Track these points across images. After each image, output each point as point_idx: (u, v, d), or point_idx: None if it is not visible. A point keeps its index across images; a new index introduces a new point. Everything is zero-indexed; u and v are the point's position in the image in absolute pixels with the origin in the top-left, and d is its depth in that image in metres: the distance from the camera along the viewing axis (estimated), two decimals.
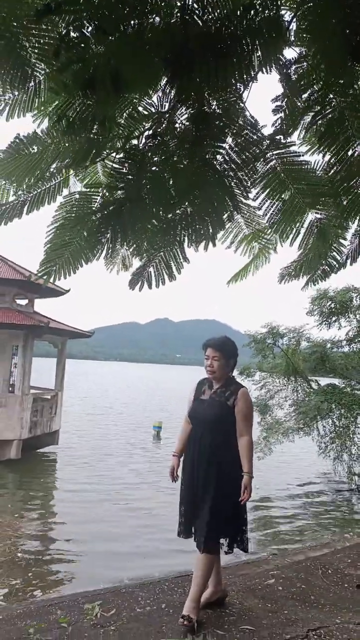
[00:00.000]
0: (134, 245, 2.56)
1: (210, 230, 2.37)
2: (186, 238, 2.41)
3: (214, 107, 2.32)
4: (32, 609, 3.50)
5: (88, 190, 2.52)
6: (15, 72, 1.76)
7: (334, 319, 13.45)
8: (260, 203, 2.50)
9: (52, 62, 1.65)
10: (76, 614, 3.23)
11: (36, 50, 1.75)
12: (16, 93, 1.99)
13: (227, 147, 2.31)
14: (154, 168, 2.35)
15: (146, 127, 2.37)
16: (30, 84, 1.85)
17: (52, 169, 2.33)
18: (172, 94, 2.32)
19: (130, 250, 2.68)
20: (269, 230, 2.71)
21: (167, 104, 2.33)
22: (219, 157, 2.31)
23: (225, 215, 2.43)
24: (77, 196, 2.48)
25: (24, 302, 18.58)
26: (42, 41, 1.77)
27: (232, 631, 2.99)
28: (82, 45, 1.64)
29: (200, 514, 3.07)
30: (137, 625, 3.00)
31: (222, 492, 3.01)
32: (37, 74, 1.82)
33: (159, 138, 2.32)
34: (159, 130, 2.32)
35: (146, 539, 8.57)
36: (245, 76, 1.97)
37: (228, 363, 3.22)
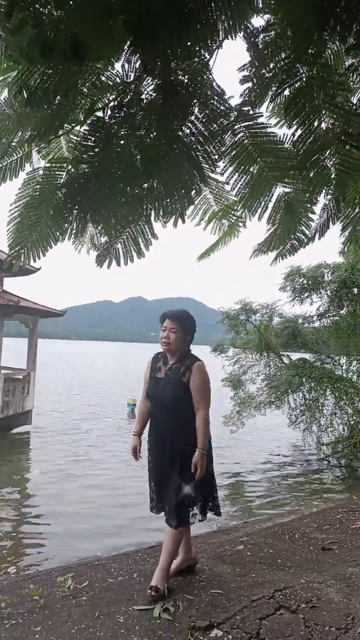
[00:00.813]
0: (102, 223, 2.50)
1: (179, 205, 2.34)
2: (153, 213, 2.37)
3: (180, 76, 2.26)
4: (4, 584, 3.53)
5: (52, 165, 2.43)
6: None
7: (306, 294, 13.66)
8: (228, 177, 2.47)
9: (6, 24, 1.56)
10: (49, 587, 3.28)
11: None
12: None
13: (193, 118, 2.26)
14: (120, 141, 2.29)
15: (111, 99, 2.29)
16: None
17: (13, 143, 2.23)
18: (138, 63, 2.25)
19: (99, 228, 2.62)
20: (238, 206, 2.69)
21: (132, 74, 2.26)
22: (185, 129, 2.26)
23: (193, 189, 2.39)
24: (41, 172, 2.39)
25: None
26: None
27: (201, 595, 3.09)
28: (38, 5, 1.55)
29: (168, 492, 3.09)
30: (109, 594, 3.07)
31: (187, 471, 3.00)
32: None
33: (124, 110, 2.25)
34: (124, 101, 2.25)
35: (119, 516, 8.68)
36: (209, 42, 1.91)
37: (185, 337, 3.13)
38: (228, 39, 1.99)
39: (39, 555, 7.30)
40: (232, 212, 2.94)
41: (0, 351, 16.18)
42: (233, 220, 3.01)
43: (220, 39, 2.00)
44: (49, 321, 21.66)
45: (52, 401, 24.49)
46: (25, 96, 1.87)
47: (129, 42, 1.83)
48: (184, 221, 2.58)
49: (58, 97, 1.96)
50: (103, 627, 2.67)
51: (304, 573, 3.59)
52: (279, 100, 2.44)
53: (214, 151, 2.33)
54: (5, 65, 1.99)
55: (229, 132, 2.34)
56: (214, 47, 2.06)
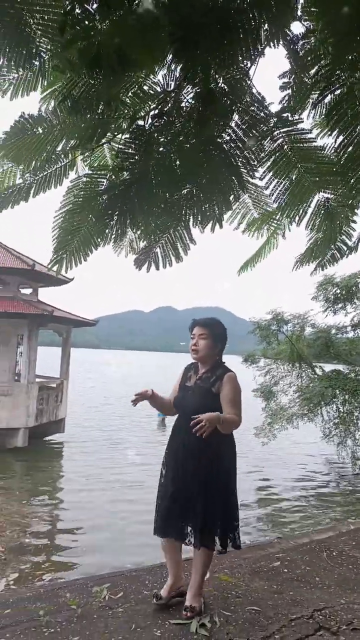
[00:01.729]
0: (142, 228, 2.52)
1: (217, 211, 2.33)
2: (192, 218, 2.37)
3: (220, 84, 2.27)
4: (41, 592, 3.55)
5: (95, 172, 2.47)
6: (20, 51, 1.71)
7: (339, 304, 13.40)
8: (267, 183, 2.45)
9: (57, 39, 1.60)
10: (85, 596, 3.27)
11: (41, 27, 1.70)
12: (21, 72, 1.94)
13: (233, 125, 2.26)
14: (160, 148, 2.31)
15: (152, 107, 2.33)
16: (35, 63, 1.79)
17: (58, 151, 2.29)
18: (178, 72, 2.28)
19: (138, 233, 2.65)
20: (278, 214, 2.67)
21: (172, 83, 2.28)
22: (225, 135, 2.26)
23: (232, 195, 2.38)
24: (84, 179, 2.44)
25: (28, 291, 18.60)
26: (46, 17, 1.71)
27: (238, 612, 3.01)
28: (87, 21, 1.60)
29: (194, 511, 2.87)
30: (144, 607, 3.03)
31: (215, 487, 2.84)
32: (42, 52, 1.77)
33: (165, 118, 2.28)
34: (165, 109, 2.27)
35: (150, 526, 8.66)
36: (252, 51, 1.92)
37: (215, 345, 2.96)
38: (270, 46, 1.99)
39: (72, 564, 7.35)
40: (272, 219, 2.91)
41: (35, 360, 16.52)
42: (273, 227, 2.97)
43: (262, 46, 2.00)
44: (80, 330, 22.04)
45: (84, 411, 24.81)
46: (69, 105, 1.91)
47: (172, 53, 1.85)
48: (221, 226, 2.57)
49: (101, 106, 1.99)
50: (140, 639, 2.64)
51: (343, 593, 3.45)
52: (317, 105, 2.42)
53: (253, 157, 2.32)
54: (52, 77, 2.04)
55: (268, 138, 2.32)
56: (256, 55, 2.06)
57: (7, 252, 17.89)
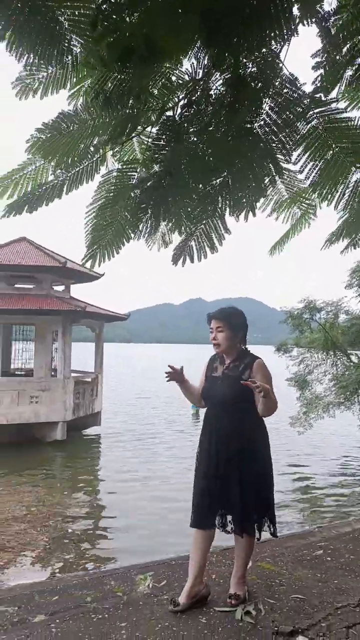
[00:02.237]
0: (174, 220, 2.52)
1: (251, 198, 2.30)
2: (227, 208, 2.35)
3: (250, 68, 2.23)
4: (86, 580, 3.64)
5: (125, 167, 2.48)
6: (52, 49, 1.72)
7: None
8: (301, 166, 2.40)
9: (88, 34, 1.61)
10: (129, 584, 3.33)
11: (72, 24, 1.71)
12: (51, 70, 1.96)
13: (266, 108, 2.21)
14: (190, 139, 2.29)
15: (180, 97, 2.31)
16: (67, 59, 1.81)
17: (89, 147, 2.31)
18: (206, 59, 2.25)
19: (170, 225, 2.65)
20: (310, 193, 2.61)
21: (201, 71, 2.26)
22: (258, 120, 2.22)
23: (267, 180, 2.33)
24: (115, 174, 2.46)
25: (60, 288, 18.94)
26: (77, 13, 1.72)
27: (283, 600, 3.01)
28: (118, 14, 1.59)
29: (229, 501, 2.87)
30: None
31: (251, 476, 2.82)
32: (73, 48, 1.78)
33: (194, 107, 2.25)
34: (193, 99, 2.25)
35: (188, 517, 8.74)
36: (284, 31, 1.86)
37: (235, 334, 2.90)
38: (303, 24, 1.93)
39: (113, 553, 7.51)
40: (303, 199, 2.85)
41: (70, 355, 16.84)
42: (304, 207, 2.90)
43: (294, 26, 1.94)
44: (112, 325, 22.30)
45: (118, 404, 25.19)
46: (102, 100, 1.91)
47: (203, 38, 1.82)
48: (254, 214, 2.53)
49: (131, 100, 1.99)
50: (186, 626, 2.67)
51: None
52: (353, 83, 2.34)
53: (288, 140, 2.26)
54: (81, 74, 2.06)
55: (302, 120, 2.27)
56: (288, 35, 2.01)
57: (40, 250, 18.25)
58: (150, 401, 27.18)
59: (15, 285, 17.83)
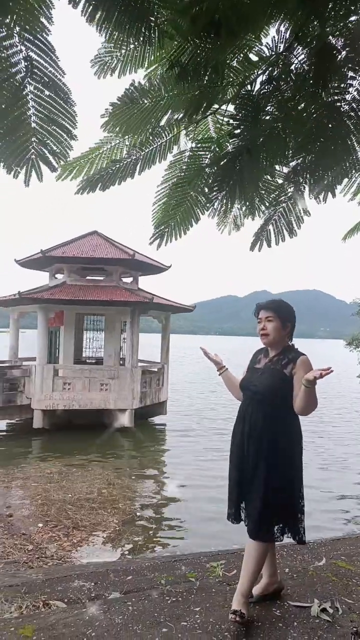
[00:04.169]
0: (248, 203, 2.45)
1: (335, 179, 2.17)
2: (307, 189, 2.24)
3: (335, 41, 2.09)
4: (158, 563, 3.72)
5: (198, 146, 2.45)
6: (139, 25, 1.71)
7: None
8: None
9: (175, 7, 1.57)
10: (200, 570, 3.36)
11: None
12: (129, 48, 1.97)
13: (356, 84, 2.06)
14: (269, 116, 2.20)
15: (259, 73, 2.22)
16: (153, 35, 1.78)
17: (162, 124, 2.30)
18: (287, 33, 2.14)
19: (244, 209, 2.58)
20: None
21: (282, 45, 2.16)
22: (344, 95, 2.08)
23: (353, 160, 2.19)
24: (188, 153, 2.43)
25: (129, 280, 19.41)
26: None
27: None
28: None
29: (251, 498, 2.70)
30: None
31: (276, 475, 2.65)
32: (159, 22, 1.76)
33: (273, 83, 2.16)
34: (273, 74, 2.16)
35: None
36: None
37: (284, 326, 2.79)
38: None
39: (181, 538, 7.63)
40: None
41: (138, 345, 17.24)
42: None
43: None
44: (176, 316, 22.50)
45: (184, 394, 25.47)
46: (177, 72, 1.88)
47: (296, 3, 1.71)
48: (334, 195, 2.40)
49: (208, 73, 1.94)
50: (260, 616, 2.64)
51: None
52: None
53: None
54: (159, 51, 2.03)
55: None
56: None
57: (110, 243, 18.80)
58: (214, 393, 27.19)
59: (87, 277, 18.52)
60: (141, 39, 1.70)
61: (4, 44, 1.80)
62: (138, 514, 8.42)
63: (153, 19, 1.66)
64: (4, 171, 2.12)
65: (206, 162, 2.40)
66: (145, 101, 2.21)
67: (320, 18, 1.76)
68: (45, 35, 1.85)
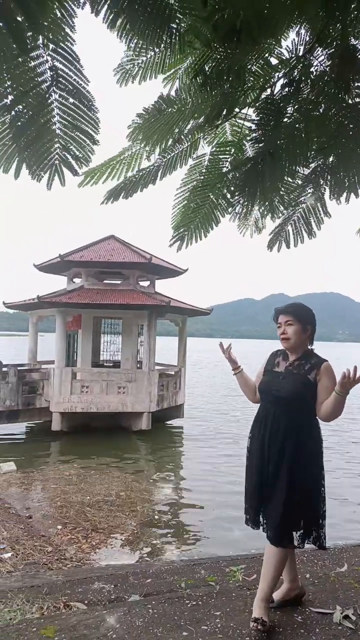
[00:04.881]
0: (267, 204, 2.45)
1: (357, 179, 2.16)
2: (328, 190, 2.23)
3: (356, 42, 2.08)
4: (177, 567, 3.72)
5: (217, 150, 2.46)
6: (160, 32, 1.73)
7: None
8: None
9: (196, 13, 1.59)
10: (220, 575, 3.34)
11: (179, 4, 1.69)
12: (150, 55, 1.99)
13: None
14: (289, 119, 2.20)
15: (280, 76, 2.23)
16: (174, 41, 1.80)
17: (186, 131, 2.32)
18: (307, 36, 2.14)
19: (262, 209, 2.58)
20: None
21: (302, 47, 2.16)
22: None
23: None
24: (208, 157, 2.45)
25: (145, 283, 19.48)
26: None
27: None
28: None
29: (272, 503, 2.67)
30: None
31: (298, 480, 2.63)
32: (180, 29, 1.78)
33: (294, 85, 2.16)
34: (293, 76, 2.16)
35: None
36: None
37: (304, 329, 2.77)
38: None
39: (198, 543, 7.60)
40: None
41: (155, 348, 17.28)
42: None
43: None
44: (193, 319, 22.49)
45: (201, 398, 25.42)
46: (201, 80, 1.90)
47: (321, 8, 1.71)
48: (357, 196, 2.37)
49: (230, 79, 1.95)
50: (281, 622, 2.61)
51: None
52: None
53: None
54: (179, 56, 2.06)
55: None
56: None
57: (127, 247, 18.91)
58: (230, 396, 27.07)
59: (105, 281, 18.66)
60: (162, 46, 1.72)
61: (31, 55, 1.85)
62: (156, 517, 8.41)
63: (174, 25, 1.68)
64: (29, 176, 2.17)
65: (226, 165, 2.41)
66: (170, 110, 2.24)
67: (342, 21, 1.76)
68: (69, 44, 1.89)
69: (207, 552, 6.78)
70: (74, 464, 11.71)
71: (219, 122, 2.35)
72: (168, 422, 18.33)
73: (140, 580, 3.37)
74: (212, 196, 2.45)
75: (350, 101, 2.07)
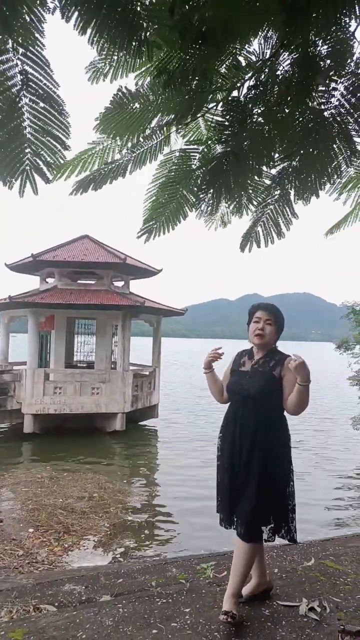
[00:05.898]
0: (235, 202, 2.50)
1: (320, 181, 2.22)
2: (293, 192, 2.29)
3: (320, 47, 2.14)
4: (149, 566, 3.72)
5: (188, 147, 2.51)
6: (129, 39, 1.75)
7: None
8: None
9: (164, 21, 1.62)
10: (191, 573, 3.37)
11: (147, 13, 1.73)
12: (121, 54, 2.01)
13: (341, 88, 2.11)
14: (256, 120, 2.25)
15: (246, 78, 2.27)
16: (143, 48, 1.82)
17: (153, 126, 2.35)
18: (274, 40, 2.19)
19: (231, 207, 2.63)
20: None
21: (268, 51, 2.21)
22: (330, 100, 2.13)
23: (339, 161, 2.24)
24: (178, 154, 2.49)
25: (120, 283, 19.40)
26: (153, 1, 1.74)
27: (348, 599, 2.92)
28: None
29: (242, 500, 2.70)
30: None
31: (268, 477, 2.67)
32: (148, 34, 1.80)
33: (260, 88, 2.21)
34: (260, 79, 2.21)
35: None
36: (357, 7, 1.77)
37: (277, 331, 2.84)
38: None
39: (171, 542, 7.63)
40: None
41: (129, 349, 17.22)
42: None
43: None
44: (168, 320, 22.53)
45: (175, 397, 25.46)
46: (164, 79, 1.93)
47: (284, 19, 1.76)
48: (317, 196, 2.44)
49: (196, 79, 1.99)
50: (249, 616, 2.66)
51: None
52: None
53: None
54: (148, 56, 2.08)
55: None
56: None
57: (101, 247, 18.80)
58: (205, 394, 27.22)
59: (78, 281, 18.49)
60: (131, 51, 1.75)
61: (0, 58, 1.84)
62: (129, 518, 8.40)
63: (142, 32, 1.70)
64: None
65: (195, 162, 2.46)
66: (135, 106, 2.26)
67: (303, 30, 1.81)
68: (39, 49, 1.90)
69: (180, 551, 6.81)
70: (46, 466, 11.57)
71: (188, 119, 2.38)
72: (142, 423, 18.30)
73: (111, 581, 3.36)
74: (181, 191, 2.50)
75: (312, 105, 2.14)
